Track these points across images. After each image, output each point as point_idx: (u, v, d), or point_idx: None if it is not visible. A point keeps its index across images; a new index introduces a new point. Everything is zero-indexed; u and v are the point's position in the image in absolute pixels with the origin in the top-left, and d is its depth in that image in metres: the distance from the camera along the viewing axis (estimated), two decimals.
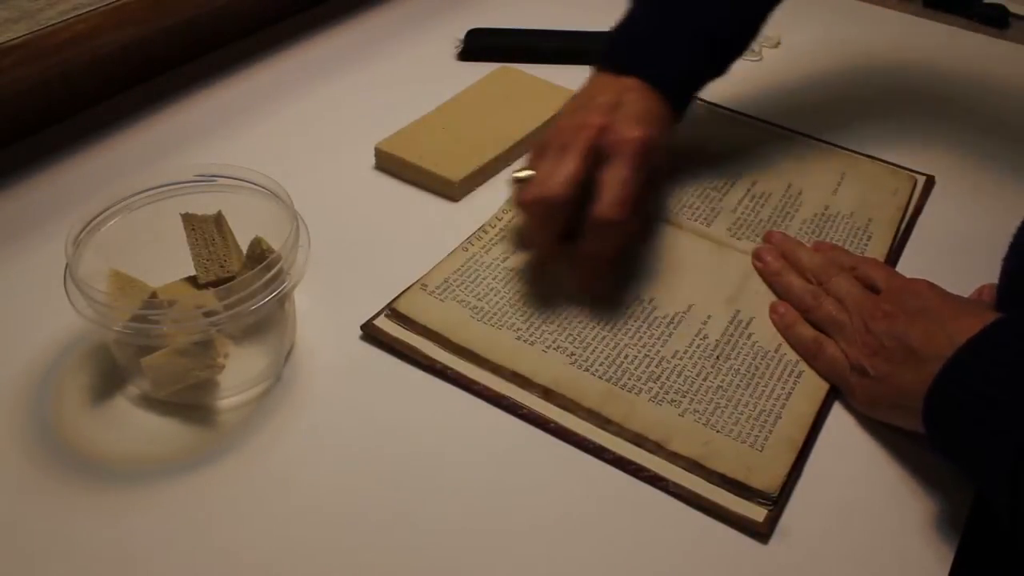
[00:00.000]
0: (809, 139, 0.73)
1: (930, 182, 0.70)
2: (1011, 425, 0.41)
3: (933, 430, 0.46)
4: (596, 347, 0.53)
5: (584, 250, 0.55)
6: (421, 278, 0.57)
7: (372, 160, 0.69)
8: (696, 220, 0.63)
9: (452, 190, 0.65)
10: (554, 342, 0.53)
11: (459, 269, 0.58)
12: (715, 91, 0.78)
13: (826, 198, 0.66)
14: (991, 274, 0.52)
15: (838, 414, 0.52)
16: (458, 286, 0.56)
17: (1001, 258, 0.52)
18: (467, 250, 0.59)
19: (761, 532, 0.45)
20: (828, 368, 0.52)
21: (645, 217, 0.62)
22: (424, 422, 0.50)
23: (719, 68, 0.65)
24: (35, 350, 0.53)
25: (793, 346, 0.54)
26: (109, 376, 0.51)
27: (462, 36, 0.84)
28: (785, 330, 0.55)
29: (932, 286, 0.51)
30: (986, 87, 0.80)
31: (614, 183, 0.53)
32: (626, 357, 0.53)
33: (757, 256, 0.60)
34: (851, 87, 0.80)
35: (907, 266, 0.61)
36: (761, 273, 0.59)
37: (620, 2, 0.62)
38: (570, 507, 0.46)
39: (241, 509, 0.45)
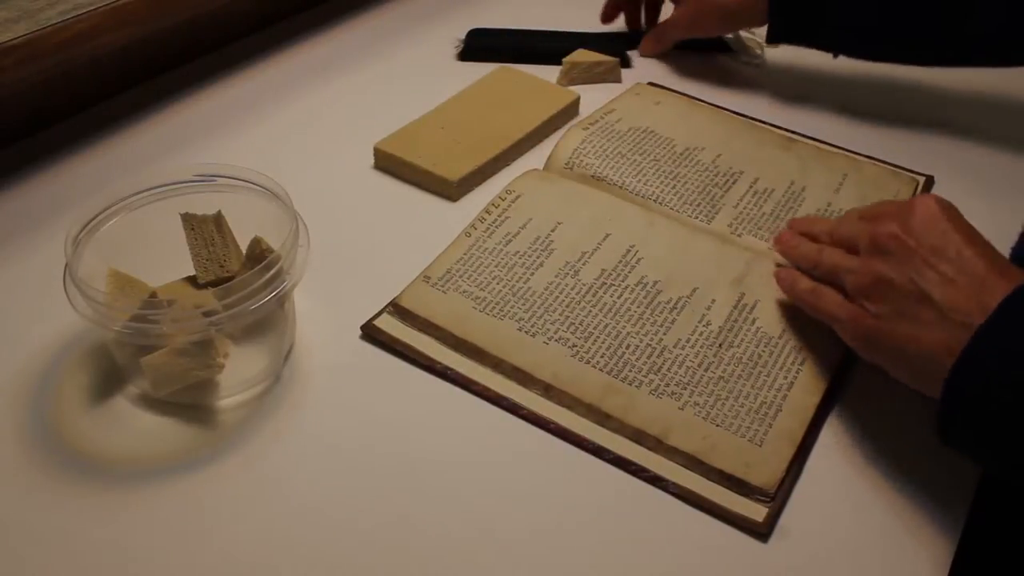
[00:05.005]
0: (810, 140, 0.73)
1: (930, 182, 0.70)
2: None
3: (957, 400, 0.43)
4: (598, 337, 0.53)
5: None
6: (424, 270, 0.57)
7: (371, 160, 0.69)
8: (697, 217, 0.63)
9: (450, 190, 0.65)
10: (556, 332, 0.53)
11: (462, 258, 0.58)
12: (717, 92, 0.79)
13: (828, 196, 0.66)
14: None
15: (839, 413, 0.52)
16: (461, 276, 0.56)
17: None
18: (469, 235, 0.60)
19: (761, 531, 0.45)
20: (827, 307, 0.51)
21: None
22: (424, 422, 0.50)
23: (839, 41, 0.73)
24: (35, 350, 0.53)
25: (795, 300, 0.54)
26: (109, 376, 0.51)
27: (462, 36, 0.84)
28: (788, 291, 0.54)
29: (947, 217, 0.48)
30: (986, 87, 0.80)
31: None
32: (628, 347, 0.53)
33: (775, 241, 0.58)
34: (851, 87, 0.80)
35: None
36: (779, 251, 0.58)
37: None
38: (570, 507, 0.46)
39: (241, 509, 0.45)
